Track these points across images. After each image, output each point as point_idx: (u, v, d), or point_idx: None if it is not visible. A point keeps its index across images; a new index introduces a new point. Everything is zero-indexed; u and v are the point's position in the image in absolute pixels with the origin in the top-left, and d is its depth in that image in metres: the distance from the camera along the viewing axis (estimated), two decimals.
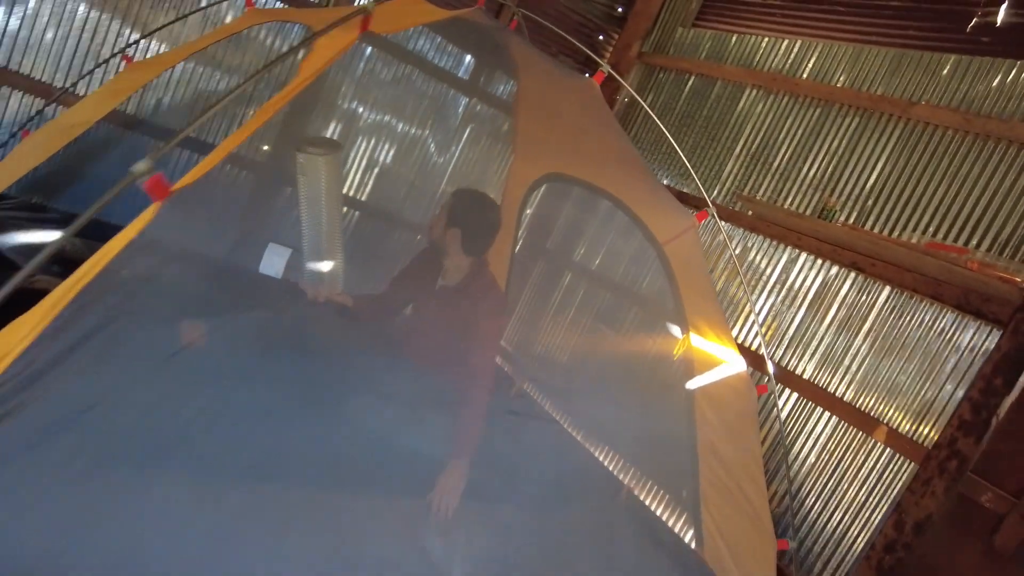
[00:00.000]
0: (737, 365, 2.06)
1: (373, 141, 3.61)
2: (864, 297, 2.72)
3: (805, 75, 3.23)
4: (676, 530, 2.68)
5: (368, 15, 1.46)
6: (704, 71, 3.63)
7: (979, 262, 2.20)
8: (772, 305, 2.99)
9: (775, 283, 3.01)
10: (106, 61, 2.76)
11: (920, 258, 2.38)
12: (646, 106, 2.33)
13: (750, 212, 3.13)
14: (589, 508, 2.19)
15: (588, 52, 2.11)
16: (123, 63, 2.43)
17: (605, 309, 3.54)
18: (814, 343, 2.82)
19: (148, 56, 2.68)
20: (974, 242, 2.51)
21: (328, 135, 3.53)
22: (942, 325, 2.50)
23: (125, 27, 2.85)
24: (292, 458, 1.78)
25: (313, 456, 1.80)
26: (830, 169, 3.00)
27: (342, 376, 2.13)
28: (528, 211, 3.62)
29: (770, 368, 2.32)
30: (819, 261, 2.88)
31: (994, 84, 2.61)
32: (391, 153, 3.67)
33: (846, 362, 2.70)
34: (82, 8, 2.77)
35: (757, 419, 2.21)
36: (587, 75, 2.29)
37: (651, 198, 2.22)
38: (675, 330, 2.21)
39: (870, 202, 2.82)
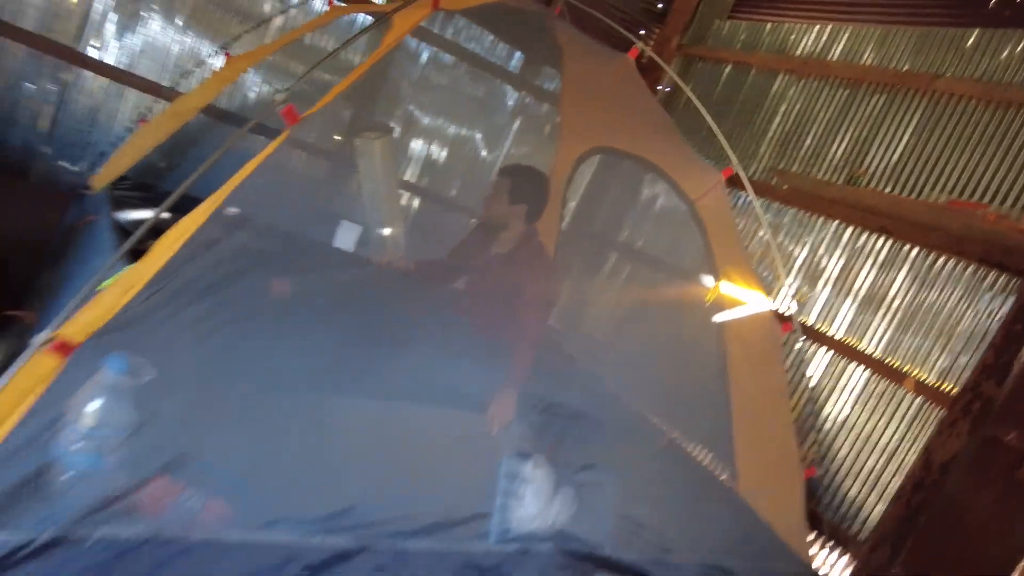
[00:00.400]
0: (763, 305, 2.27)
1: (430, 134, 3.96)
2: (892, 261, 2.87)
3: (835, 57, 3.42)
4: (713, 469, 2.87)
5: None
6: (739, 59, 3.85)
7: (996, 215, 2.35)
8: (805, 272, 3.17)
9: (808, 253, 3.19)
10: (205, 61, 3.20)
11: (942, 214, 2.54)
12: (688, 91, 2.56)
13: (785, 186, 3.32)
14: (637, 452, 2.40)
15: (628, 35, 2.36)
16: (224, 57, 2.84)
17: (644, 264, 3.79)
18: (844, 307, 2.98)
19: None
20: (996, 203, 2.65)
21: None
22: (966, 281, 2.64)
23: (222, 33, 3.31)
24: (361, 380, 2.05)
25: (379, 379, 2.08)
26: (857, 146, 3.17)
27: (405, 324, 2.41)
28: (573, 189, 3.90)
29: (792, 308, 2.50)
30: (849, 228, 3.05)
31: (1016, 52, 2.75)
32: (447, 143, 4.01)
33: (875, 323, 2.86)
34: (182, 21, 3.26)
35: (781, 354, 2.40)
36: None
37: (682, 160, 2.46)
38: (707, 280, 2.44)
39: (898, 170, 2.98)
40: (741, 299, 2.32)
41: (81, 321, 1.22)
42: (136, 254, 1.40)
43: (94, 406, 1.24)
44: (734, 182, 2.28)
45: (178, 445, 1.34)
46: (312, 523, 1.39)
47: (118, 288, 1.30)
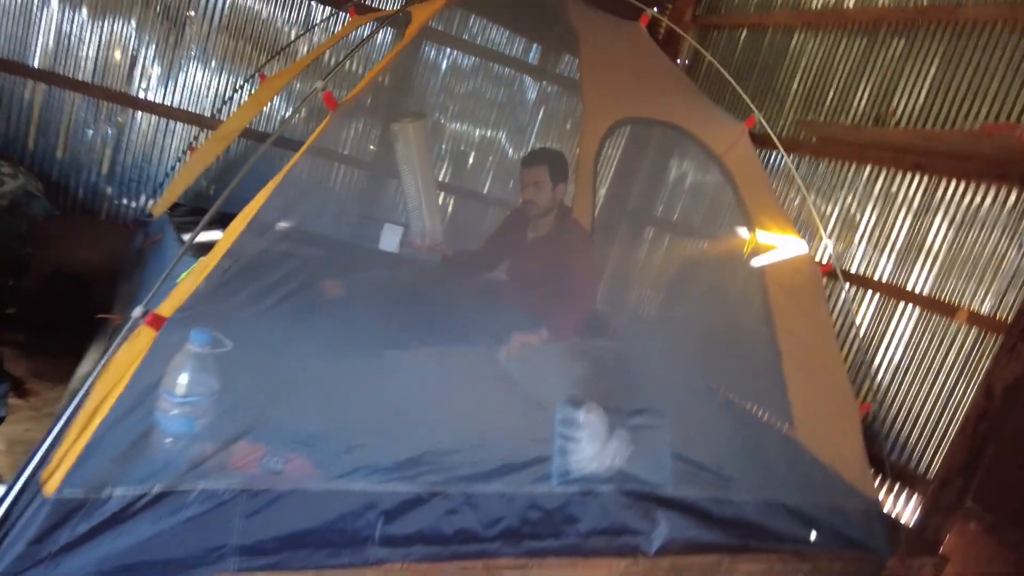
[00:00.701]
0: (799, 247, 2.29)
1: (457, 139, 4.10)
2: (930, 196, 2.84)
3: (850, 5, 3.41)
4: (768, 419, 2.88)
5: None
6: (755, 22, 3.86)
7: None
8: (844, 222, 3.15)
9: (844, 200, 3.17)
10: (242, 87, 3.43)
11: (976, 141, 2.52)
12: (706, 53, 2.61)
13: (813, 138, 3.32)
14: (697, 406, 2.44)
15: (639, 5, 2.42)
16: (259, 79, 3.04)
17: (681, 231, 3.84)
18: (887, 249, 2.96)
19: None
20: None
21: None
22: (1007, 215, 2.59)
23: (253, 65, 3.54)
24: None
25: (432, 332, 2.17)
26: (881, 92, 3.14)
27: (451, 311, 2.51)
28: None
29: (829, 250, 2.49)
30: (883, 171, 3.03)
31: None
32: (474, 146, 4.15)
33: (920, 260, 2.83)
34: (215, 62, 3.51)
35: (824, 293, 2.41)
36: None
37: (704, 117, 2.51)
38: (743, 231, 2.48)
39: (926, 110, 2.95)
40: (777, 245, 2.35)
41: (168, 302, 1.38)
42: (204, 253, 1.56)
43: (184, 376, 1.38)
44: (764, 142, 2.30)
45: (258, 408, 1.48)
46: (386, 471, 1.51)
47: (193, 274, 1.45)
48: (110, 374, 1.30)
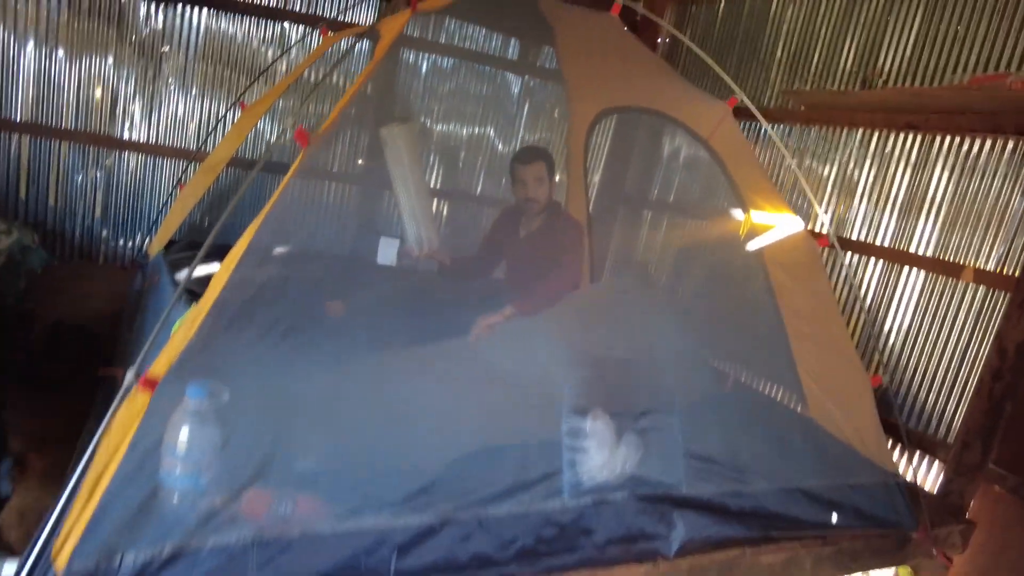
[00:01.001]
0: (794, 224, 2.26)
1: (445, 139, 4.07)
2: (925, 159, 2.79)
3: None
4: (782, 399, 2.86)
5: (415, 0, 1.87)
6: None
7: (1021, 80, 2.26)
8: (839, 189, 3.10)
9: (838, 169, 3.12)
10: (224, 116, 3.42)
11: (965, 94, 2.46)
12: (680, 36, 2.54)
13: (802, 107, 3.26)
14: (699, 394, 2.42)
15: None
16: (240, 108, 3.02)
17: (679, 214, 3.79)
18: (888, 209, 2.91)
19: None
20: (1021, 70, 2.53)
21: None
22: (1006, 162, 2.54)
23: (234, 90, 3.52)
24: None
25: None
26: (867, 50, 3.08)
27: (452, 321, 2.50)
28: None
29: (827, 226, 2.45)
30: (875, 133, 2.97)
31: None
32: (463, 144, 4.11)
33: (920, 225, 2.78)
34: (196, 90, 3.50)
35: (824, 268, 2.37)
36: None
37: (686, 100, 2.47)
38: (737, 213, 2.44)
39: (913, 64, 2.88)
40: (772, 223, 2.31)
41: (161, 360, 1.38)
42: (196, 298, 1.56)
43: (184, 432, 1.39)
44: (750, 115, 2.26)
45: (262, 454, 1.48)
46: (396, 505, 1.51)
47: (184, 327, 1.45)
48: (110, 439, 1.31)
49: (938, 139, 2.76)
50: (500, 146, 4.19)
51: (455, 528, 1.54)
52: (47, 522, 1.24)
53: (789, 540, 1.91)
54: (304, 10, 3.57)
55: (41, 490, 1.73)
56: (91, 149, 3.41)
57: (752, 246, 2.30)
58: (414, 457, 1.62)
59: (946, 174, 2.72)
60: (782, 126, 3.36)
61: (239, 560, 1.34)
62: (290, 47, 3.52)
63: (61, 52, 3.25)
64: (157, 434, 1.38)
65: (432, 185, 4.06)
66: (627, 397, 1.90)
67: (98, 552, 1.23)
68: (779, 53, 3.51)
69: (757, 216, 2.35)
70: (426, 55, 3.87)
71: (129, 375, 1.32)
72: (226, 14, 3.44)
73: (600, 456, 1.71)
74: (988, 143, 2.60)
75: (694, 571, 1.74)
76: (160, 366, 1.37)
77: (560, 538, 1.61)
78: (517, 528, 1.59)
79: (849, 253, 2.97)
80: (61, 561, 1.20)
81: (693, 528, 1.76)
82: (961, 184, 2.67)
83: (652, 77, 2.50)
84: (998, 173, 2.57)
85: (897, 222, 2.87)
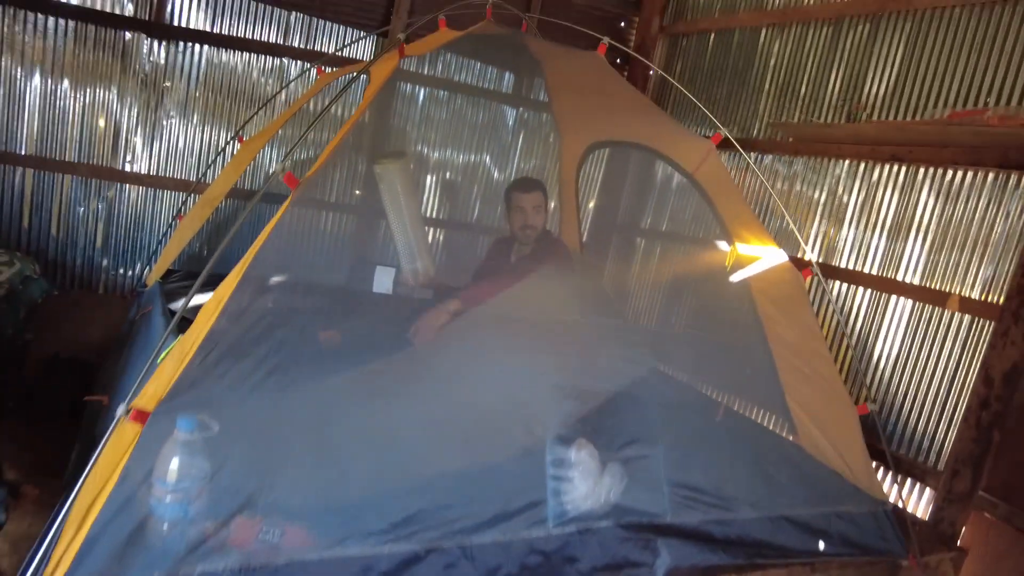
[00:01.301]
0: (778, 256, 2.30)
1: (442, 167, 4.15)
2: (911, 185, 2.84)
3: (811, 1, 3.43)
4: (773, 427, 2.88)
5: (403, 44, 1.95)
6: (721, 25, 3.89)
7: (999, 116, 2.32)
8: (827, 217, 3.16)
9: (826, 196, 3.18)
10: (224, 148, 3.50)
11: (946, 129, 2.52)
12: (665, 75, 2.64)
13: (790, 139, 3.34)
14: (688, 424, 2.45)
15: (594, 34, 2.44)
16: (238, 143, 3.10)
17: (671, 243, 3.84)
18: (873, 243, 2.96)
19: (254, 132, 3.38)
20: (1001, 104, 2.60)
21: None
22: (989, 189, 2.59)
23: (234, 121, 3.61)
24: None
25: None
26: (852, 81, 3.16)
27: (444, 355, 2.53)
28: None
29: (811, 254, 2.50)
30: (861, 164, 3.03)
31: None
32: (459, 172, 4.19)
33: (908, 250, 2.83)
34: (197, 119, 3.58)
35: (808, 298, 2.41)
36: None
37: (672, 137, 2.54)
38: (722, 244, 2.49)
39: (896, 95, 2.95)
40: (757, 255, 2.36)
41: (149, 391, 1.41)
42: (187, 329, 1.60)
43: (174, 463, 1.42)
44: (743, 145, 2.32)
45: (250, 484, 1.51)
46: (381, 533, 1.53)
47: (173, 358, 1.49)
48: (100, 469, 1.34)
49: (922, 170, 2.82)
50: (496, 174, 4.27)
51: (440, 556, 1.56)
52: (37, 550, 1.27)
53: (776, 568, 1.92)
54: (304, 45, 3.68)
55: (35, 519, 1.75)
56: (93, 181, 3.49)
57: (737, 277, 2.34)
58: (399, 487, 1.64)
59: (931, 201, 2.78)
60: (771, 156, 3.43)
61: None
62: (289, 82, 3.62)
63: (66, 84, 3.34)
64: (148, 465, 1.41)
65: (428, 214, 4.13)
66: (611, 427, 1.93)
67: None
68: (767, 85, 3.60)
69: (743, 248, 2.40)
70: (422, 87, 3.96)
71: (121, 408, 1.36)
72: (227, 50, 3.55)
73: (584, 485, 1.73)
74: (970, 175, 2.66)
75: None
76: (149, 398, 1.40)
77: (545, 566, 1.63)
78: (501, 556, 1.61)
79: (837, 282, 3.01)
80: None
81: (678, 556, 1.77)
82: (946, 210, 2.73)
83: (638, 113, 2.58)
84: (981, 199, 2.62)
85: (885, 247, 2.91)
